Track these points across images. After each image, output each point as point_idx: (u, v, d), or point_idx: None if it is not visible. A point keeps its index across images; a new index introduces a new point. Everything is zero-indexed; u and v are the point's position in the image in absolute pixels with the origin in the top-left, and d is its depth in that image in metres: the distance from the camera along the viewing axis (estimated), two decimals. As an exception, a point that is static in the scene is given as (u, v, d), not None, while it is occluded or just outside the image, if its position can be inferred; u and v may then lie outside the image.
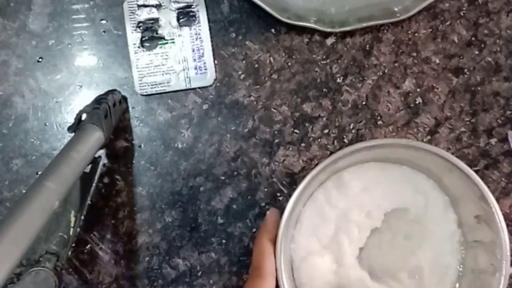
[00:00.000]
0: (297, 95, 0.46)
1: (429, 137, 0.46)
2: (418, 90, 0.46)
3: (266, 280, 0.34)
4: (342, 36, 0.46)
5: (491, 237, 0.35)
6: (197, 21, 0.46)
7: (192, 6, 0.46)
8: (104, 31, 0.46)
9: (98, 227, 0.45)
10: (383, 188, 0.38)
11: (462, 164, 0.35)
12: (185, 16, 0.46)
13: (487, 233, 0.35)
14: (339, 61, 0.46)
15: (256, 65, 0.46)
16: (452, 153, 0.45)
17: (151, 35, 0.46)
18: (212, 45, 0.46)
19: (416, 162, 0.38)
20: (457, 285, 0.37)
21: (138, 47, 0.45)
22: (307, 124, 0.46)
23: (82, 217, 0.39)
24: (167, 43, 0.46)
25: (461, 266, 0.38)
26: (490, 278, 0.35)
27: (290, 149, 0.46)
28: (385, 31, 0.46)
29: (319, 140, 0.46)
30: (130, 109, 0.45)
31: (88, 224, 0.44)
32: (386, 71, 0.46)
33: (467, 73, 0.47)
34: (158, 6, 0.46)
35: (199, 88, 0.46)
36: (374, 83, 0.46)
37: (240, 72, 0.46)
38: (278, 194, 0.46)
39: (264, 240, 0.36)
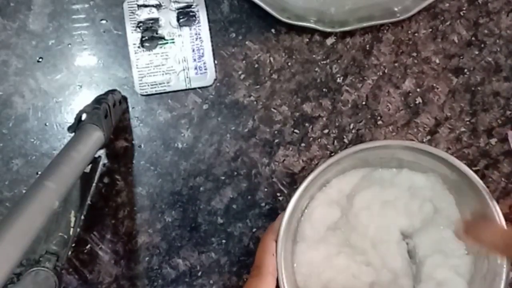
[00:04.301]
0: (297, 95, 0.46)
1: (429, 137, 0.46)
2: (418, 90, 0.46)
3: (265, 279, 0.34)
4: (342, 36, 0.46)
5: None
6: (197, 21, 0.46)
7: (192, 6, 0.46)
8: (104, 31, 0.46)
9: (98, 227, 0.45)
10: (390, 192, 0.38)
11: (459, 163, 0.35)
12: (185, 16, 0.46)
13: None
14: (339, 61, 0.46)
15: (256, 65, 0.46)
16: (452, 153, 0.45)
17: (151, 35, 0.46)
18: (212, 45, 0.46)
19: (419, 163, 0.38)
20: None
21: (138, 47, 0.45)
22: (307, 124, 0.46)
23: (82, 217, 0.39)
24: (167, 43, 0.46)
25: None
26: (491, 282, 0.35)
27: (290, 149, 0.46)
28: (385, 31, 0.46)
29: (319, 140, 0.46)
30: (130, 109, 0.45)
31: (88, 224, 0.44)
32: (386, 71, 0.46)
33: (467, 73, 0.47)
34: (158, 6, 0.46)
35: (199, 88, 0.46)
36: (374, 83, 0.46)
37: (240, 72, 0.46)
38: (278, 194, 0.46)
39: (269, 240, 0.36)
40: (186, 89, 0.46)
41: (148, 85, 0.45)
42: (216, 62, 0.46)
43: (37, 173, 0.45)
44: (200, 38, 0.46)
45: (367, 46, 0.46)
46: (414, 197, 0.38)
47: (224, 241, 0.45)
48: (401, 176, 0.38)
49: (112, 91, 0.43)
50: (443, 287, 0.36)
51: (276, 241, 0.35)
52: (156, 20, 0.46)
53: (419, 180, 0.38)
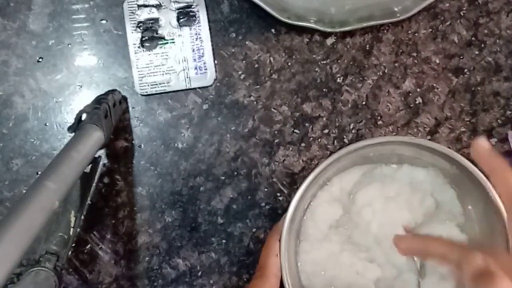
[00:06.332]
0: (297, 95, 0.46)
1: (429, 137, 0.46)
2: (418, 90, 0.46)
3: (269, 280, 0.34)
4: (342, 36, 0.46)
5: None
6: (197, 21, 0.46)
7: (192, 6, 0.46)
8: (104, 31, 0.46)
9: (98, 227, 0.45)
10: (392, 189, 0.38)
11: (459, 157, 0.35)
12: (185, 16, 0.46)
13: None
14: (339, 61, 0.46)
15: (256, 65, 0.46)
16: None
17: (151, 35, 0.46)
18: (212, 45, 0.46)
19: (420, 158, 0.38)
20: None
21: (138, 47, 0.45)
22: (307, 124, 0.46)
23: (82, 217, 0.39)
24: (167, 43, 0.46)
25: None
26: None
27: (290, 149, 0.46)
28: (385, 31, 0.46)
29: (319, 140, 0.46)
30: (130, 109, 0.45)
31: (88, 224, 0.44)
32: (386, 71, 0.46)
33: (467, 73, 0.47)
34: (158, 6, 0.46)
35: (199, 88, 0.46)
36: (374, 83, 0.46)
37: (240, 72, 0.46)
38: (278, 194, 0.46)
39: (273, 240, 0.36)
40: (186, 89, 0.46)
41: (148, 85, 0.45)
42: (216, 62, 0.46)
43: (37, 173, 0.45)
44: (200, 38, 0.46)
45: (367, 46, 0.46)
46: (415, 192, 0.38)
47: (224, 241, 0.45)
48: (401, 171, 0.39)
49: (112, 91, 0.43)
50: (448, 280, 0.36)
51: (280, 241, 0.35)
52: (156, 20, 0.46)
53: (419, 175, 0.38)
